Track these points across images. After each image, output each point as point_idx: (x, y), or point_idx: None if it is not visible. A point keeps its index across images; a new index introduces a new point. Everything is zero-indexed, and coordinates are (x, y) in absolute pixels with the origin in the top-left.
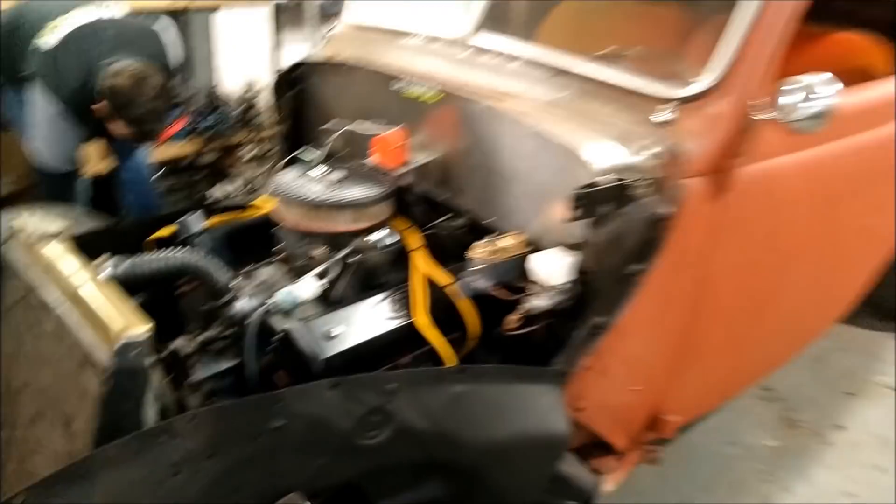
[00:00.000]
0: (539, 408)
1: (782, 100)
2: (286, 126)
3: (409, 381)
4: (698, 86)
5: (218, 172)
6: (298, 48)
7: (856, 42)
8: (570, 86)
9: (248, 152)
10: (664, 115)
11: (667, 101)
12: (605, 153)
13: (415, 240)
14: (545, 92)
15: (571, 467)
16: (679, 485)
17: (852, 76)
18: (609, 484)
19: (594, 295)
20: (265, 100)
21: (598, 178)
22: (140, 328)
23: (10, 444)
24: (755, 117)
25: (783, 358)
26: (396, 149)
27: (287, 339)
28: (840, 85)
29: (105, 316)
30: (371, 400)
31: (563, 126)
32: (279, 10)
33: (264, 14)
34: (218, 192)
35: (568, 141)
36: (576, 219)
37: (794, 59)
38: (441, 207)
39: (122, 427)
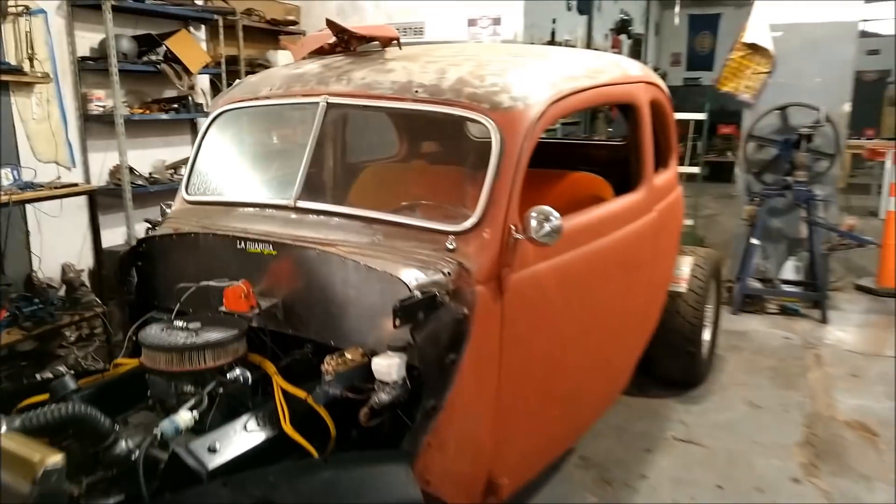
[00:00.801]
0: (394, 484)
1: (530, 224)
2: (133, 295)
3: (285, 473)
4: (469, 221)
5: (44, 355)
6: (116, 230)
7: (587, 179)
8: (378, 231)
9: (73, 332)
10: (451, 244)
11: (451, 234)
12: (414, 274)
13: (270, 368)
14: (360, 238)
15: None
16: None
17: (587, 203)
18: None
19: (425, 383)
20: (85, 280)
21: (414, 293)
22: (55, 457)
23: None
24: (514, 237)
25: (585, 424)
26: (244, 297)
27: (175, 458)
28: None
29: (19, 454)
30: (256, 492)
31: (381, 259)
32: (93, 196)
33: (79, 201)
34: (48, 372)
35: (388, 268)
36: (400, 326)
37: (548, 192)
38: (289, 339)
39: None
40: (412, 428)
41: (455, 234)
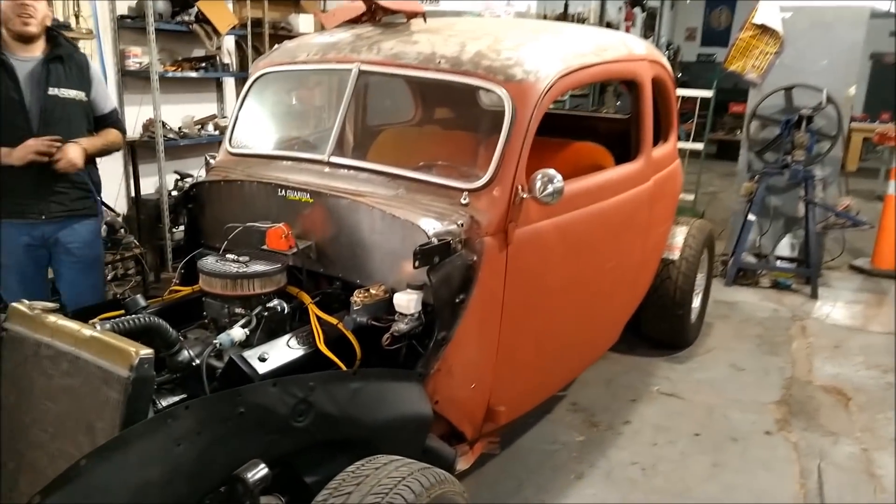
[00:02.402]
0: (409, 398)
1: (535, 184)
2: (185, 232)
3: (322, 380)
4: (482, 180)
5: None
6: (148, 180)
7: (590, 149)
8: (401, 186)
9: (110, 271)
10: (465, 199)
11: (465, 190)
12: (432, 224)
13: (307, 298)
14: (386, 191)
15: (436, 443)
16: (516, 472)
17: (589, 170)
18: (462, 464)
19: (437, 317)
20: (125, 224)
21: (431, 240)
22: (147, 350)
23: (24, 467)
24: (520, 196)
25: (575, 370)
26: (284, 237)
27: (232, 364)
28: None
29: (118, 346)
30: (299, 393)
31: (404, 210)
32: (133, 146)
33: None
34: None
35: (410, 217)
36: (419, 267)
37: (554, 158)
38: (319, 277)
39: (137, 421)
40: (425, 354)
41: (469, 190)
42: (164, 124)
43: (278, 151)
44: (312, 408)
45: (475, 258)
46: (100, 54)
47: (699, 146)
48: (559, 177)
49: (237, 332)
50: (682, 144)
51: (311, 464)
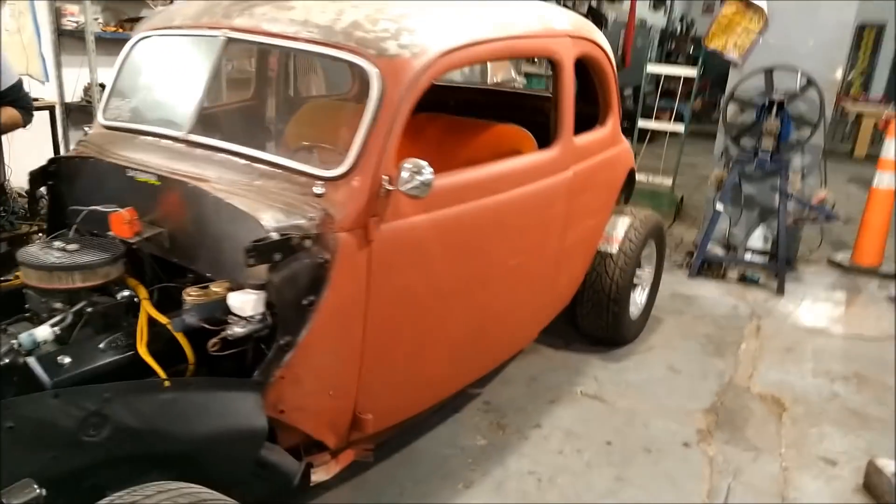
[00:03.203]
0: (240, 409)
1: (400, 176)
2: (48, 212)
3: (121, 390)
4: (340, 169)
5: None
6: None
7: (511, 132)
8: (256, 171)
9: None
10: (319, 189)
11: (321, 179)
12: (275, 216)
13: (142, 292)
14: (238, 176)
15: (276, 456)
16: (401, 478)
17: (506, 156)
18: (322, 475)
19: (279, 321)
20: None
21: (270, 234)
22: None
23: None
24: (385, 188)
25: (472, 373)
26: (127, 223)
27: (26, 368)
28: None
29: None
30: (89, 405)
31: (246, 199)
32: (53, 110)
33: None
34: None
35: (248, 208)
36: (254, 265)
37: (470, 141)
38: (173, 267)
39: None
40: (264, 361)
41: (325, 179)
42: (103, 87)
43: (143, 126)
44: (108, 421)
45: (327, 256)
46: (32, 12)
47: (679, 128)
48: (428, 168)
49: (42, 332)
50: (662, 125)
51: (119, 479)
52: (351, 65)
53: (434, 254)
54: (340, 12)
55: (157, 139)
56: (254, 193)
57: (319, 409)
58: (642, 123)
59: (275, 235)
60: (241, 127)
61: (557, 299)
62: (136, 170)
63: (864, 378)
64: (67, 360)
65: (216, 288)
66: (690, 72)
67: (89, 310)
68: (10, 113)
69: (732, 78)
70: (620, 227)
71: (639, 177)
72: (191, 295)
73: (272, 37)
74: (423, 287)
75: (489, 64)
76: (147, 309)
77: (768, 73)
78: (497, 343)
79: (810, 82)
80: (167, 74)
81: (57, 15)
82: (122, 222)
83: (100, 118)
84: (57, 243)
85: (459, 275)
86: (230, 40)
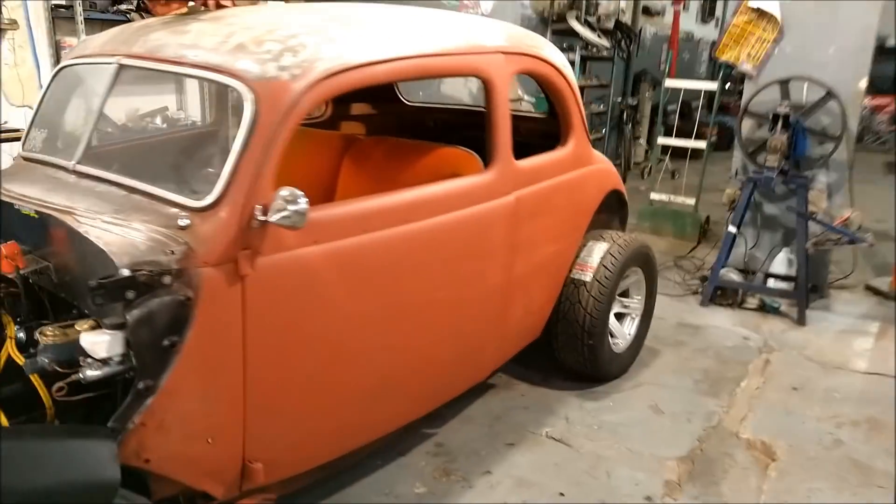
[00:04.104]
0: (86, 459)
1: (273, 205)
2: None
3: None
4: (208, 199)
5: None
6: None
7: (454, 155)
8: (130, 202)
9: None
10: (184, 221)
11: (188, 209)
12: (130, 251)
13: (10, 329)
14: (112, 206)
15: None
16: None
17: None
18: None
19: (137, 364)
20: None
21: (120, 271)
22: None
23: None
24: (257, 219)
25: (396, 419)
26: (6, 257)
27: None
28: (304, 196)
29: None
30: None
31: (109, 232)
32: None
33: None
34: None
35: (103, 242)
36: (102, 304)
37: (410, 165)
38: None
39: None
40: (122, 406)
41: (191, 210)
42: None
43: (47, 157)
44: None
45: (190, 294)
46: (31, 45)
47: (701, 144)
48: (304, 199)
49: None
50: (682, 142)
51: None
52: (229, 89)
53: (330, 289)
54: (230, 35)
55: (53, 169)
56: (119, 226)
57: (196, 457)
58: (662, 140)
59: (125, 272)
60: (129, 156)
61: (514, 332)
62: (19, 201)
63: (877, 424)
64: None
65: (79, 327)
66: (710, 85)
67: None
68: None
69: (748, 91)
70: (596, 254)
71: (659, 196)
72: (46, 335)
73: (160, 62)
74: (318, 325)
75: None
76: (9, 347)
77: (784, 84)
78: (425, 384)
79: (830, 93)
80: (73, 104)
81: (57, 48)
82: (2, 256)
83: (20, 148)
84: None
85: (366, 311)
86: (122, 67)
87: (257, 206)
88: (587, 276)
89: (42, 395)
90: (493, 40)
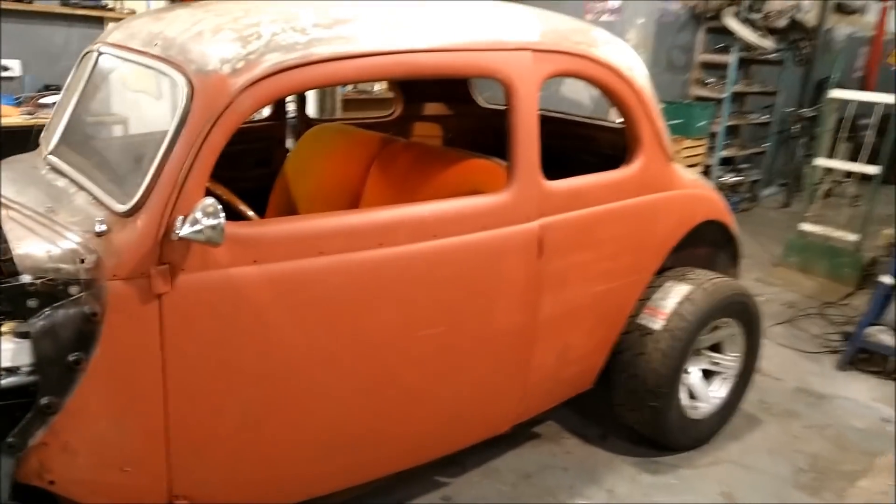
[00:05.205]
0: None
1: (189, 217)
2: None
3: None
4: (129, 203)
5: None
6: None
7: (479, 166)
8: (73, 197)
9: None
10: (100, 227)
11: (113, 214)
12: (39, 255)
13: None
14: (53, 203)
15: None
16: None
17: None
18: None
19: (40, 378)
20: None
21: (23, 277)
22: None
23: None
24: (175, 232)
25: (366, 469)
26: None
27: None
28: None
29: None
30: None
31: (32, 231)
32: None
33: None
34: None
35: (15, 241)
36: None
37: (435, 176)
38: None
39: None
40: (21, 421)
41: (116, 214)
42: None
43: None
44: None
45: (96, 307)
46: None
47: (872, 169)
48: (221, 214)
49: None
50: (843, 164)
51: None
52: (170, 80)
53: (271, 317)
54: (197, 22)
55: (40, 160)
56: (46, 227)
57: (109, 485)
58: (822, 162)
59: (26, 278)
60: (93, 149)
61: (545, 382)
62: None
63: None
64: None
65: (5, 329)
66: (888, 98)
67: None
68: None
69: None
70: (672, 298)
71: (813, 229)
72: None
73: (129, 51)
74: (255, 358)
75: None
76: None
77: None
78: (411, 434)
79: None
80: (71, 92)
81: None
82: None
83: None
84: None
85: (322, 347)
86: (100, 55)
87: (179, 216)
88: (656, 324)
89: None
90: (520, 35)
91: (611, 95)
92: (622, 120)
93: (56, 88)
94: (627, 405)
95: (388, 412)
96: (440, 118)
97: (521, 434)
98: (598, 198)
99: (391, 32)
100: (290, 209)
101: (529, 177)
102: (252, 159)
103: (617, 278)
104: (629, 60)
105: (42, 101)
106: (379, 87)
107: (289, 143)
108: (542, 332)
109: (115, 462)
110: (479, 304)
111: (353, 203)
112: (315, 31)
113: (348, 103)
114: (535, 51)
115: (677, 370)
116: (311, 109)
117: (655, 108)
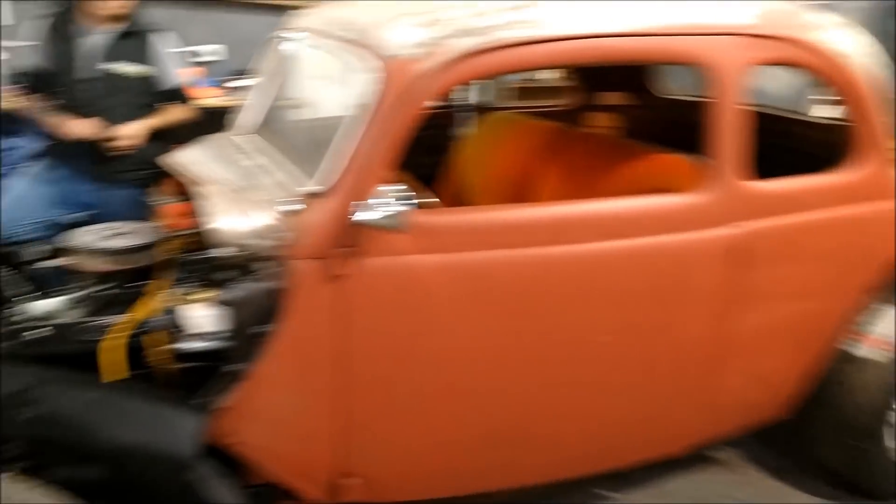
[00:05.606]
0: (169, 428)
1: (372, 202)
2: None
3: (45, 377)
4: (324, 185)
5: None
6: None
7: (669, 163)
8: (275, 178)
9: None
10: (292, 205)
11: (307, 194)
12: (240, 230)
13: (164, 284)
14: (244, 181)
15: (212, 486)
16: None
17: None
18: None
19: (233, 345)
20: None
21: (225, 250)
22: None
23: None
24: (354, 216)
25: (524, 473)
26: (178, 216)
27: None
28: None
29: None
30: (23, 381)
31: (225, 207)
32: None
33: None
34: None
35: (212, 215)
36: (180, 280)
37: (619, 171)
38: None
39: None
40: (212, 384)
41: (308, 194)
42: None
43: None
44: (38, 402)
45: (282, 284)
46: None
47: None
48: (413, 201)
49: (44, 304)
50: None
51: (49, 458)
52: (363, 65)
53: (447, 306)
54: (388, 9)
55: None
56: (242, 202)
57: (286, 454)
58: None
59: (224, 250)
60: (287, 128)
61: (731, 405)
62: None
63: None
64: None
65: (204, 295)
66: None
67: (105, 293)
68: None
69: None
70: (886, 323)
71: None
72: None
73: (319, 36)
74: (429, 347)
75: None
76: (142, 306)
77: None
78: (575, 442)
79: None
80: (264, 76)
81: None
82: (172, 215)
83: None
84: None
85: (495, 343)
86: (290, 41)
87: (368, 200)
88: (863, 352)
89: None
90: (728, 17)
91: (834, 88)
92: (830, 116)
93: (241, 73)
94: (824, 441)
95: (555, 415)
96: (617, 108)
97: (695, 456)
98: (809, 203)
99: (581, 15)
100: (459, 199)
101: (729, 176)
102: (421, 147)
103: (821, 295)
104: (856, 48)
105: (231, 84)
106: (548, 75)
107: (456, 131)
108: (731, 348)
109: (294, 433)
110: (663, 313)
111: (527, 195)
112: (505, 15)
113: (516, 91)
114: (744, 35)
115: (885, 405)
116: (476, 98)
117: (886, 104)
